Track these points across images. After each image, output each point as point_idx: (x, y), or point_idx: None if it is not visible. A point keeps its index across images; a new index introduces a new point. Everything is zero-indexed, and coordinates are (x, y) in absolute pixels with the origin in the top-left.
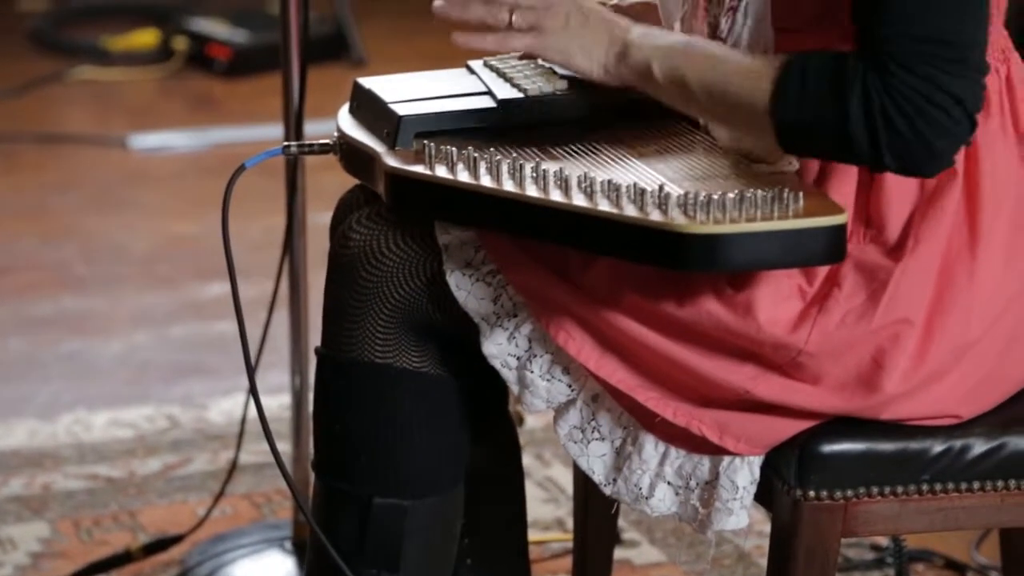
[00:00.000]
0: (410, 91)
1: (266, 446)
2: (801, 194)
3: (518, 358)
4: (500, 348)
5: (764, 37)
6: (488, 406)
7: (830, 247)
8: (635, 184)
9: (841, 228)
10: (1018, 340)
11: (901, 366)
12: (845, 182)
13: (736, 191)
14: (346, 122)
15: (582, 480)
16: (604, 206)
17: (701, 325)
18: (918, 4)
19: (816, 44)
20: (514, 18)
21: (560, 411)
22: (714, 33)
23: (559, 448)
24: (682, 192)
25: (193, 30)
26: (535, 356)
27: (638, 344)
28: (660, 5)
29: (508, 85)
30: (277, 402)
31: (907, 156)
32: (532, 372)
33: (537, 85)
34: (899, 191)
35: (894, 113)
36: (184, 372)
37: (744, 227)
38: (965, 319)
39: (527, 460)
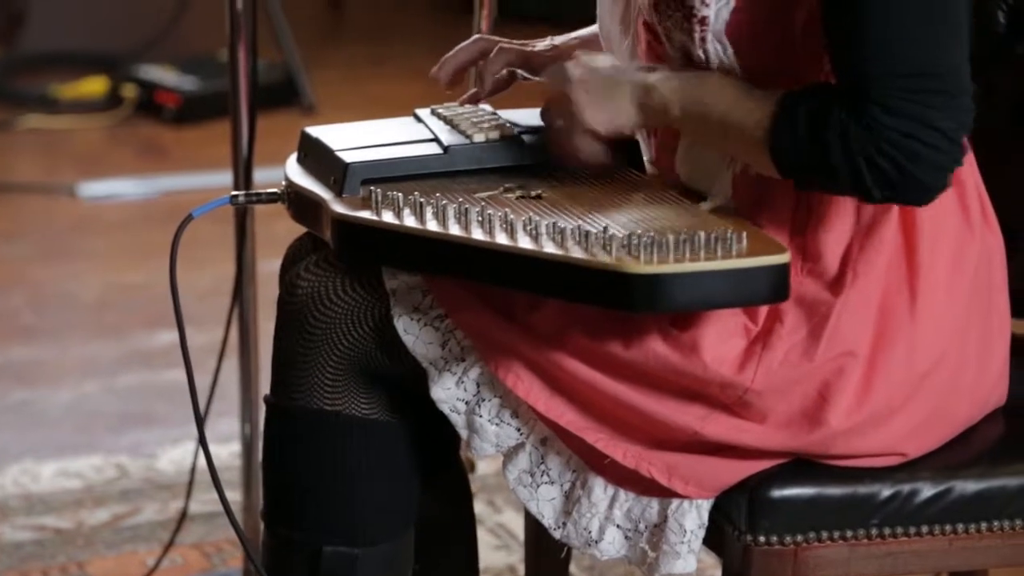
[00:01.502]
0: (357, 139)
1: (216, 495)
2: (745, 234)
3: (467, 403)
4: (448, 393)
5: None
6: (438, 452)
7: (774, 286)
8: (580, 227)
9: (784, 267)
10: (963, 377)
11: (846, 400)
12: (780, 213)
13: (680, 232)
14: (294, 171)
15: (533, 525)
16: (550, 248)
17: (648, 366)
18: (898, 40)
19: (786, 81)
20: (549, 118)
21: (509, 455)
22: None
23: (511, 494)
24: (626, 233)
25: (142, 77)
26: (483, 400)
27: (586, 385)
28: (602, 37)
29: (455, 132)
30: (227, 450)
31: (899, 195)
32: (481, 416)
33: (483, 132)
34: (835, 223)
35: (880, 160)
36: (133, 421)
37: (688, 267)
38: (909, 354)
39: (479, 507)
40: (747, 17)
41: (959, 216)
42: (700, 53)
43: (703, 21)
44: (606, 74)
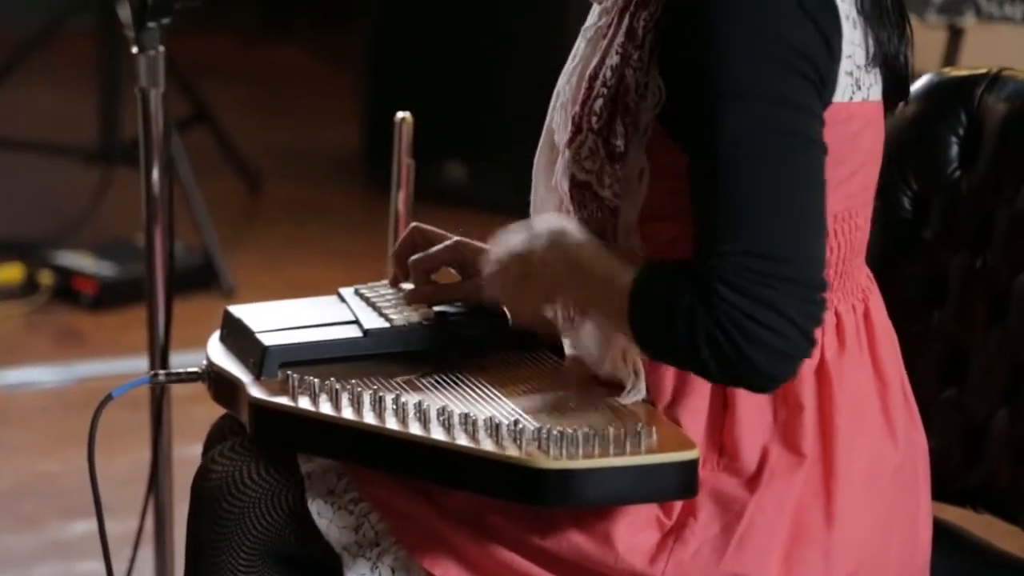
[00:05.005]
0: (279, 320)
1: None
2: (654, 428)
3: None
4: None
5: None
6: None
7: (683, 482)
8: (491, 418)
9: (693, 463)
10: None
11: None
12: (697, 408)
13: (590, 426)
14: (215, 350)
15: None
16: (462, 440)
17: (563, 553)
18: (750, 222)
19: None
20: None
21: None
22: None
23: None
24: (537, 426)
25: (59, 264)
26: None
27: (505, 568)
28: (532, 204)
29: (376, 314)
30: None
31: (737, 377)
32: None
33: (403, 314)
34: (751, 421)
35: (720, 337)
36: None
37: (597, 463)
38: (824, 560)
39: None
40: (655, 210)
41: (880, 417)
42: (612, 241)
43: (614, 211)
44: (507, 257)
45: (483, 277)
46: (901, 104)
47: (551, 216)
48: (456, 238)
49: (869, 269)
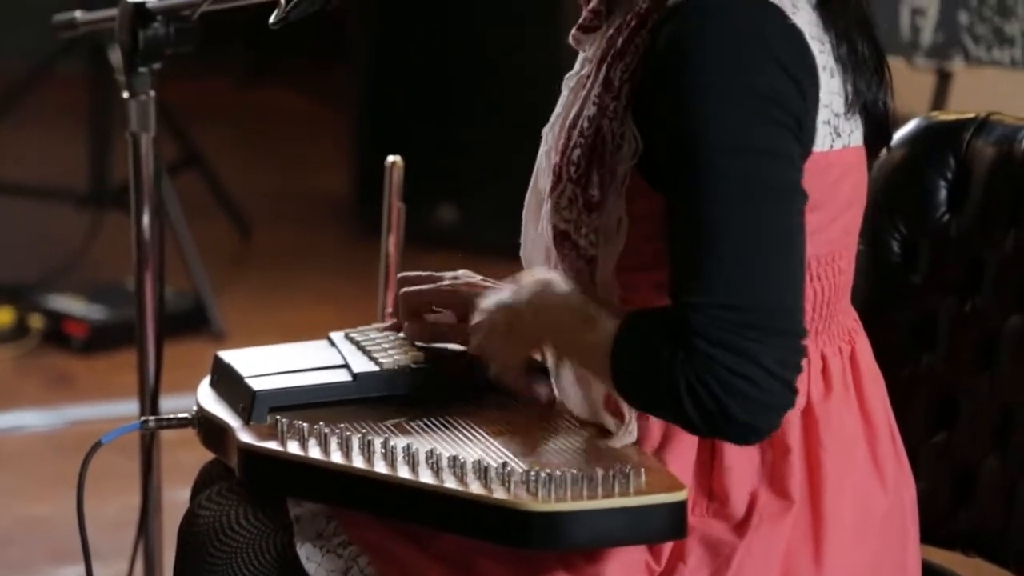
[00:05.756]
0: (269, 365)
1: None
2: (643, 470)
3: None
4: None
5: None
6: None
7: (671, 523)
8: (480, 460)
9: (681, 504)
10: None
11: None
12: (685, 452)
13: (578, 468)
14: (205, 395)
15: None
16: (450, 483)
17: None
18: (726, 272)
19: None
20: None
21: None
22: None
23: None
24: (525, 469)
25: (49, 307)
26: None
27: None
28: (522, 249)
29: (365, 358)
30: None
31: (719, 429)
32: None
33: (393, 358)
34: (740, 466)
35: (699, 389)
36: None
37: (585, 505)
38: None
39: None
40: (634, 259)
41: (868, 461)
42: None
43: (591, 261)
44: (493, 309)
45: (470, 326)
46: (884, 150)
47: (539, 269)
48: (449, 282)
49: (857, 313)
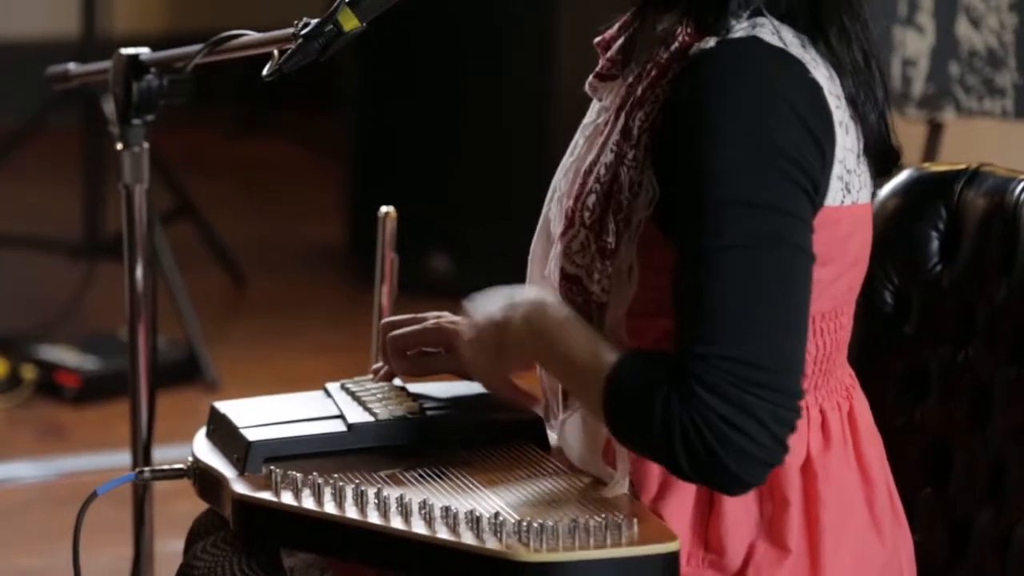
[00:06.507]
0: (264, 415)
1: None
2: (636, 520)
3: None
4: None
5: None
6: None
7: (663, 574)
8: (472, 511)
9: (674, 555)
10: None
11: None
12: (683, 503)
13: (571, 518)
14: (201, 446)
15: None
16: (443, 533)
17: None
18: (733, 326)
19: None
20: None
21: None
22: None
23: None
24: (517, 519)
25: (42, 358)
26: None
27: None
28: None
29: (360, 408)
30: None
31: (707, 477)
32: None
33: (388, 409)
34: (737, 517)
35: (693, 436)
36: None
37: (577, 555)
38: None
39: None
40: (644, 307)
41: (866, 515)
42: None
43: (602, 307)
44: (484, 325)
45: (459, 342)
46: (885, 196)
47: (533, 288)
48: (434, 321)
49: (851, 362)
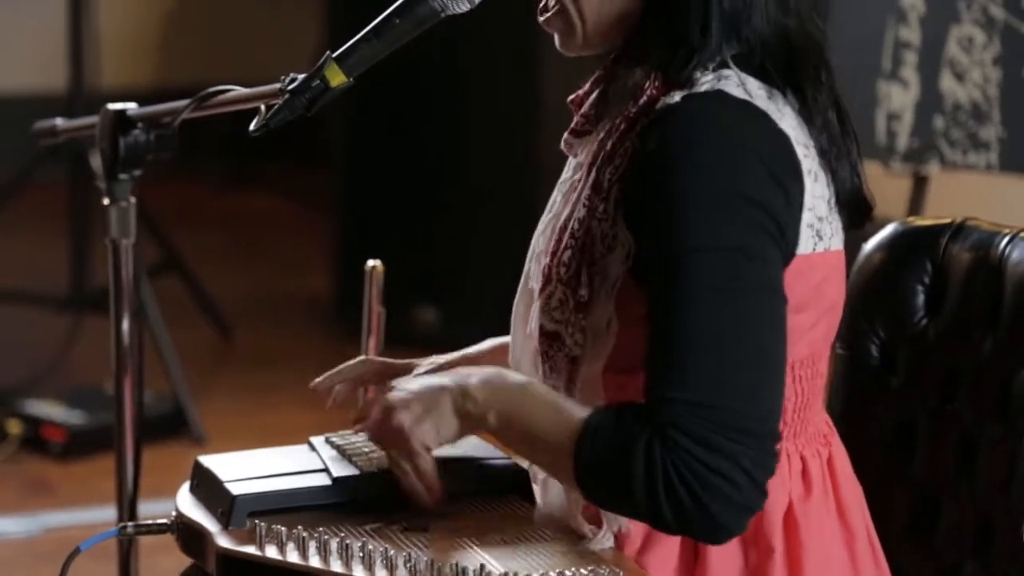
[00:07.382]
0: (248, 469)
1: None
2: (621, 572)
3: None
4: None
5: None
6: None
7: None
8: (457, 563)
9: None
10: None
11: None
12: (668, 554)
13: (555, 570)
14: (185, 501)
15: None
16: None
17: None
18: (708, 371)
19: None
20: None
21: None
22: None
23: None
24: (503, 572)
25: (27, 412)
26: None
27: None
28: (511, 351)
29: (345, 461)
30: None
31: (691, 526)
32: None
33: (373, 462)
34: (722, 567)
35: (677, 484)
36: None
37: None
38: None
39: None
40: (623, 361)
41: (847, 563)
42: (573, 391)
43: (575, 360)
44: (424, 388)
45: (386, 399)
46: (871, 250)
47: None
48: (363, 356)
49: (836, 416)
